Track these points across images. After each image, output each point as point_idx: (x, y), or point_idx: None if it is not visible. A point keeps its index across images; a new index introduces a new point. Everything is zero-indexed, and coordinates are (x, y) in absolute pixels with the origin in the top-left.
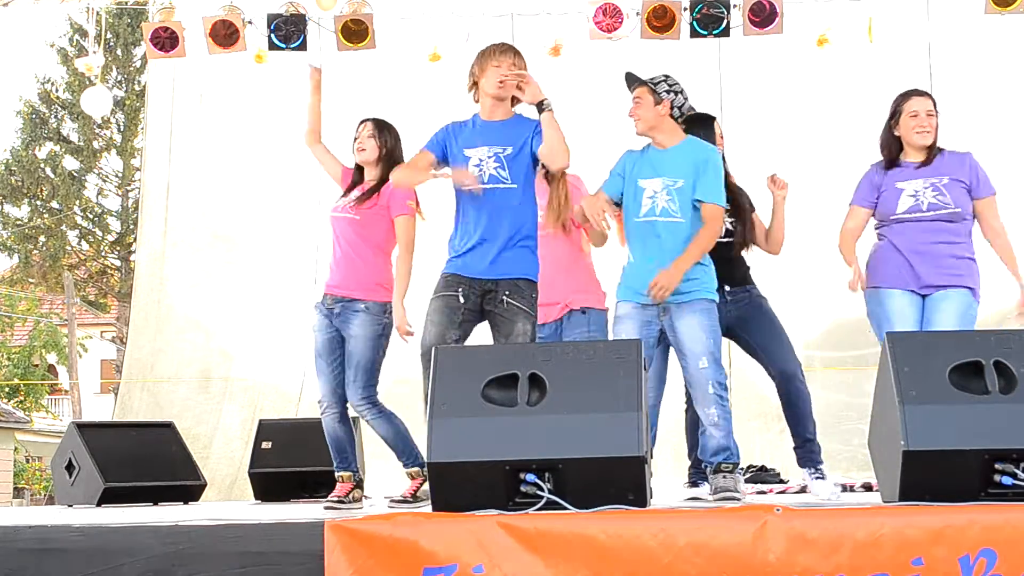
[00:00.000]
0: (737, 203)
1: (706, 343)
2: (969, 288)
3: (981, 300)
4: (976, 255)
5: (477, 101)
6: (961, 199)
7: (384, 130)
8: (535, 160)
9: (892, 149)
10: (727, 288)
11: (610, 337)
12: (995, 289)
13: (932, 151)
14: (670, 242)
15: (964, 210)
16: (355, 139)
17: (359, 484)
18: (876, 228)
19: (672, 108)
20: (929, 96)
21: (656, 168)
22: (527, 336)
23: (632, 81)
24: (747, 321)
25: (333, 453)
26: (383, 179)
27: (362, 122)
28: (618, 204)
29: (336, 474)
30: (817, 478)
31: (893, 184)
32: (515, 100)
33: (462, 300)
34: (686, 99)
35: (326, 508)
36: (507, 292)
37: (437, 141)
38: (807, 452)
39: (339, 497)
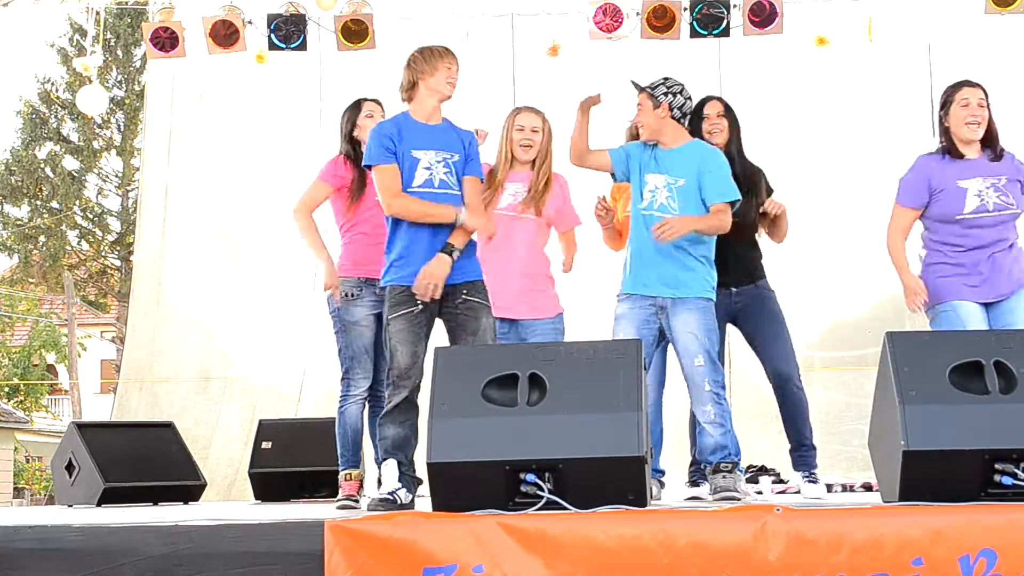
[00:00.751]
0: (752, 182)
1: (702, 341)
2: None
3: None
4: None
5: (409, 100)
6: (1020, 200)
7: None
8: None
9: (947, 142)
10: (733, 282)
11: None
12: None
13: (985, 146)
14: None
15: (1022, 210)
16: (368, 116)
17: (362, 483)
18: (929, 228)
19: (672, 110)
20: (981, 87)
21: (661, 166)
22: (492, 330)
23: (636, 88)
24: (750, 315)
25: (348, 449)
26: None
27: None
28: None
29: (344, 472)
30: (810, 481)
31: (954, 183)
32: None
33: (421, 313)
34: (687, 98)
35: (340, 508)
36: (465, 291)
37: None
38: (802, 456)
39: (352, 495)
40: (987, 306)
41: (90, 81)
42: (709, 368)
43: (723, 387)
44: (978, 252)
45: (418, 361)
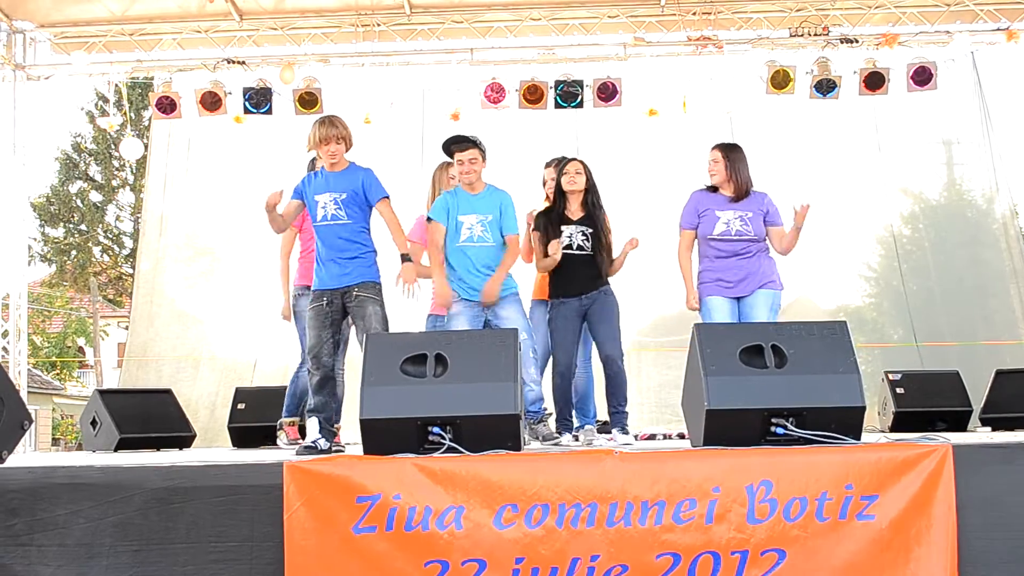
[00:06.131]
0: (595, 226)
1: (522, 323)
2: (773, 283)
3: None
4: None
5: (319, 158)
6: (760, 228)
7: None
8: (367, 200)
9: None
10: (583, 291)
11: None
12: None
13: (738, 190)
14: (481, 260)
15: (760, 235)
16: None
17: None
18: (699, 242)
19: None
20: (719, 148)
21: (471, 207)
22: (378, 316)
23: (471, 143)
24: (593, 314)
25: (290, 401)
26: None
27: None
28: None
29: (293, 418)
30: (622, 432)
31: (713, 211)
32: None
33: (328, 308)
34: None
35: (298, 453)
36: (357, 290)
37: (296, 191)
38: (618, 417)
39: (296, 439)
40: (738, 299)
41: (112, 136)
42: (530, 342)
43: (537, 354)
44: (728, 260)
45: (323, 342)
